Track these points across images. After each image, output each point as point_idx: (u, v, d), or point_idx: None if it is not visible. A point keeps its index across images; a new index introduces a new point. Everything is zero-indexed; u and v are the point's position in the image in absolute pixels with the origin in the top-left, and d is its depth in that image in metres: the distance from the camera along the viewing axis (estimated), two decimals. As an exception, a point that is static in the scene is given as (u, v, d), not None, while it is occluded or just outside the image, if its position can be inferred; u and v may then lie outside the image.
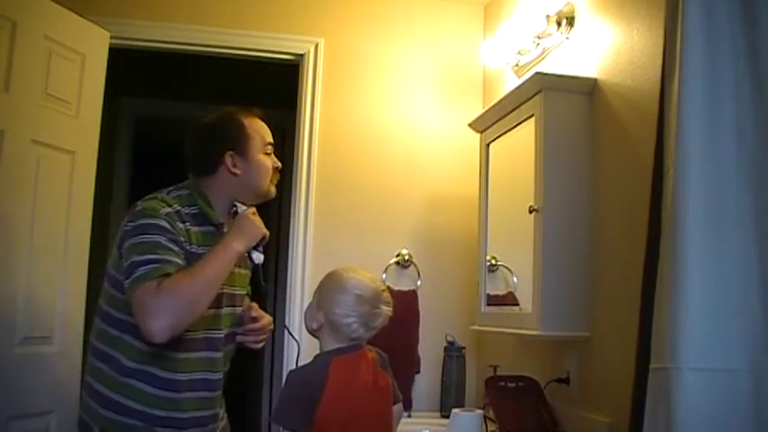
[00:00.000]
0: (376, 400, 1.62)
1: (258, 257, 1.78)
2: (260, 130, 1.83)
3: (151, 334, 1.53)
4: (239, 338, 1.85)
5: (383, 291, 1.65)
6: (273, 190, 1.86)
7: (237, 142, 1.78)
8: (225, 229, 1.76)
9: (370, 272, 1.71)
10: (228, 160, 1.77)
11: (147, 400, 1.65)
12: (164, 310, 1.53)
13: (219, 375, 1.77)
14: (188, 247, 1.67)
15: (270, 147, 1.83)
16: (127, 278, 1.58)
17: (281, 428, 1.58)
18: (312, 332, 1.66)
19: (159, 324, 1.52)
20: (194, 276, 1.59)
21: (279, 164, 1.86)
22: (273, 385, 4.10)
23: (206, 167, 1.79)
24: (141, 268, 1.56)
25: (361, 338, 1.62)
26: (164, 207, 1.68)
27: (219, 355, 1.77)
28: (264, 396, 4.20)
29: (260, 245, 1.76)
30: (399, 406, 1.74)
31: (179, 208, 1.71)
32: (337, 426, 1.54)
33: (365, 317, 1.60)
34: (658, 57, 1.64)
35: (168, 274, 1.57)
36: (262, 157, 1.81)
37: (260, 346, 1.90)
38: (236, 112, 1.83)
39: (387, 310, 1.64)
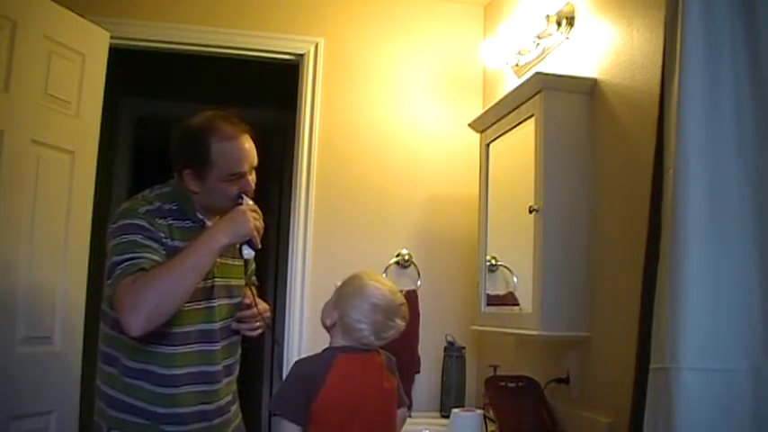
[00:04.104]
0: (379, 402, 1.63)
1: (249, 253, 1.77)
2: (227, 159, 1.70)
3: (127, 327, 1.56)
4: (234, 326, 1.84)
5: (401, 304, 1.66)
6: None
7: (197, 165, 1.71)
8: (207, 225, 1.77)
9: (388, 280, 1.72)
10: (186, 178, 1.73)
11: (148, 397, 1.68)
12: (138, 304, 1.55)
13: (218, 368, 1.78)
14: (170, 243, 1.69)
15: (233, 177, 1.71)
16: (108, 279, 1.62)
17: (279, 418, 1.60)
18: (325, 328, 1.68)
19: (134, 317, 1.55)
20: (170, 269, 1.60)
21: (249, 188, 1.76)
22: (273, 380, 4.10)
23: (175, 174, 1.79)
24: (118, 268, 1.59)
25: (370, 345, 1.64)
26: (143, 205, 1.70)
27: (217, 347, 1.77)
28: (265, 392, 4.20)
29: (253, 241, 1.73)
30: (404, 410, 1.74)
31: (160, 204, 1.73)
32: (335, 422, 1.55)
33: (377, 326, 1.61)
34: (658, 57, 1.64)
35: (143, 269, 1.58)
36: (221, 185, 1.72)
37: (256, 334, 1.87)
38: (210, 128, 1.71)
39: (400, 324, 1.65)
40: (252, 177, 1.77)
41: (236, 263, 1.85)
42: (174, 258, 1.63)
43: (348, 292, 1.65)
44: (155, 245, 1.65)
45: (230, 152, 1.71)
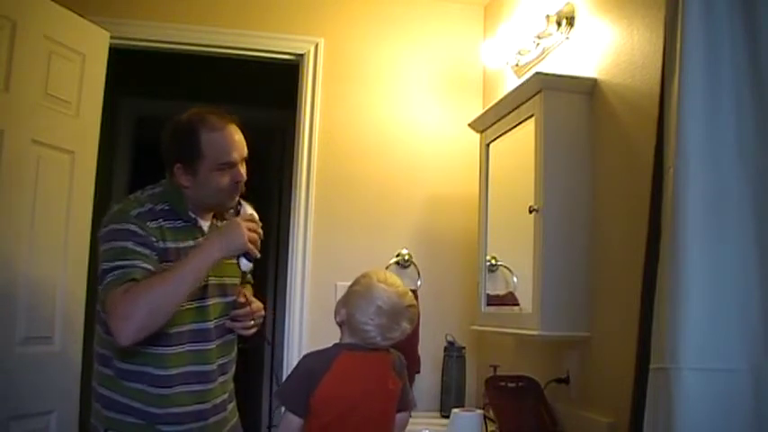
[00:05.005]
0: (379, 402, 1.64)
1: (246, 265, 1.77)
2: (216, 148, 1.72)
3: (117, 336, 1.57)
4: (228, 325, 1.84)
5: (408, 306, 1.65)
6: (233, 202, 1.81)
7: (187, 158, 1.72)
8: (200, 224, 1.78)
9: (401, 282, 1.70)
10: (178, 172, 1.74)
11: (143, 398, 1.68)
12: (130, 314, 1.56)
13: (213, 367, 1.78)
14: (161, 245, 1.69)
15: (224, 166, 1.73)
16: (100, 284, 1.63)
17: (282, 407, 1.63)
18: (337, 325, 1.70)
19: (124, 327, 1.56)
20: (163, 280, 1.61)
21: (241, 178, 1.77)
22: (273, 380, 4.10)
23: (166, 172, 1.80)
24: (109, 275, 1.60)
25: (377, 345, 1.65)
26: (134, 208, 1.70)
27: (212, 346, 1.78)
28: (264, 392, 4.21)
29: (250, 253, 1.73)
30: (406, 414, 1.73)
31: (151, 206, 1.72)
32: (329, 418, 1.57)
33: (383, 328, 1.62)
34: (658, 57, 1.64)
35: (135, 279, 1.59)
36: (212, 176, 1.73)
37: (250, 332, 1.87)
38: (199, 121, 1.73)
39: (406, 327, 1.65)
40: (243, 169, 1.78)
41: (230, 261, 1.84)
42: (168, 270, 1.63)
43: (356, 291, 1.66)
44: (146, 251, 1.65)
45: (220, 141, 1.73)
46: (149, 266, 1.63)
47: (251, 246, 1.71)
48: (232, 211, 1.86)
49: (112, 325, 1.58)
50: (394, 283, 1.67)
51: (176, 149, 1.75)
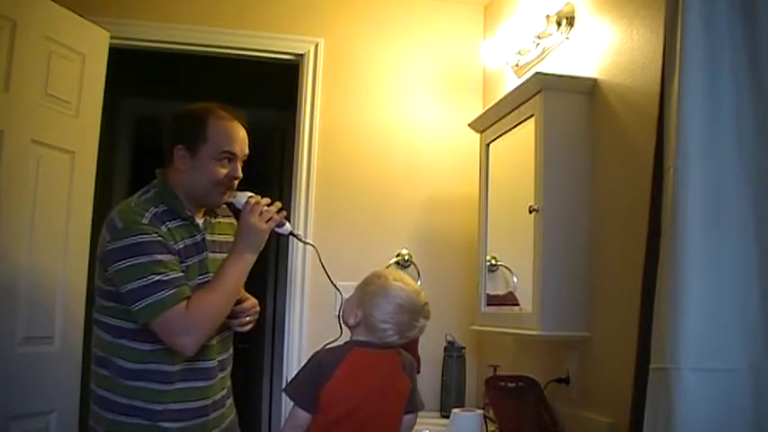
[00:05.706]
0: (389, 401, 1.65)
1: (285, 230, 1.84)
2: (221, 136, 1.76)
3: (185, 350, 1.65)
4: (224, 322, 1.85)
5: (425, 304, 1.68)
6: (221, 199, 1.82)
7: (190, 140, 1.76)
8: (196, 221, 1.80)
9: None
10: (177, 154, 1.76)
11: (146, 395, 1.69)
12: (195, 329, 1.64)
13: (214, 363, 1.79)
14: (177, 248, 1.71)
15: (224, 154, 1.76)
16: (136, 301, 1.62)
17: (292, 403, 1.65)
18: (348, 326, 1.70)
19: (193, 341, 1.64)
20: (216, 293, 1.69)
21: (237, 175, 1.79)
22: (273, 382, 4.10)
23: (164, 158, 1.81)
24: (157, 294, 1.61)
25: (394, 344, 1.66)
26: (141, 215, 1.69)
27: (213, 342, 1.79)
28: (264, 391, 4.20)
29: (279, 221, 1.80)
30: (413, 416, 1.73)
31: (155, 210, 1.73)
32: (338, 412, 1.58)
33: (402, 326, 1.63)
34: (658, 57, 1.64)
35: (187, 297, 1.64)
36: (210, 164, 1.75)
37: (246, 329, 1.89)
38: (208, 110, 1.79)
39: (424, 323, 1.67)
40: (240, 168, 1.81)
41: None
42: (216, 281, 1.71)
43: (372, 291, 1.66)
44: (173, 258, 1.68)
45: (226, 130, 1.78)
46: (183, 274, 1.68)
47: (271, 224, 1.77)
48: (226, 206, 1.88)
49: (178, 340, 1.63)
50: (409, 282, 1.69)
51: (181, 131, 1.79)
